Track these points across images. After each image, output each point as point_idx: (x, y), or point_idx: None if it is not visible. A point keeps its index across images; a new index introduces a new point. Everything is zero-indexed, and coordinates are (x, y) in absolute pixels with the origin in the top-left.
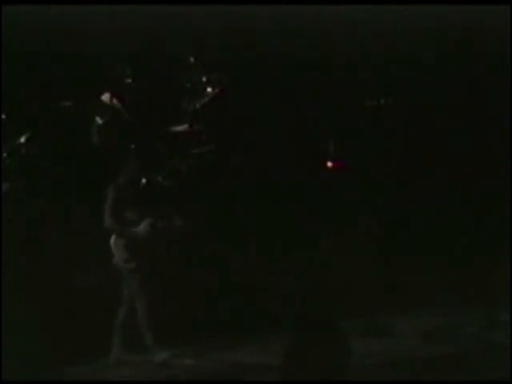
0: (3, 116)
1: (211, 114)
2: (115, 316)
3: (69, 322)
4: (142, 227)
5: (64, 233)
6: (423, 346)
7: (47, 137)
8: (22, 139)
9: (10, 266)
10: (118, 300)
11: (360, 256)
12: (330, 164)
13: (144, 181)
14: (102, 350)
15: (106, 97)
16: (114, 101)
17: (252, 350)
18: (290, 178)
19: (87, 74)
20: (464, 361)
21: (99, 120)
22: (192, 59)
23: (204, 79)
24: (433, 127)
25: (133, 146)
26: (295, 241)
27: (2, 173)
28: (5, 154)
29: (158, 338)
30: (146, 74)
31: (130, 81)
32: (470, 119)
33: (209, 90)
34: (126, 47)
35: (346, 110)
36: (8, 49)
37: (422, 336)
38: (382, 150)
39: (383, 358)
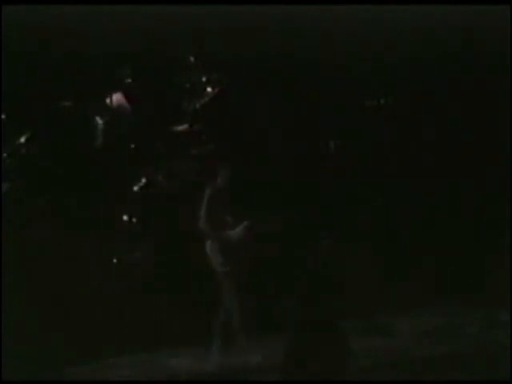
0: (3, 116)
1: (211, 113)
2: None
3: (69, 322)
4: (238, 230)
5: (64, 233)
6: (423, 346)
7: (47, 137)
8: (22, 139)
9: (10, 265)
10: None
11: (360, 256)
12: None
13: (144, 181)
14: (102, 350)
15: (117, 97)
16: (123, 102)
17: None
18: (290, 178)
19: (87, 74)
20: (464, 361)
21: (100, 120)
22: (192, 59)
23: (204, 79)
24: (432, 127)
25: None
26: (295, 240)
27: (2, 173)
28: (5, 154)
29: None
30: (145, 74)
31: (129, 81)
32: (470, 119)
33: (209, 89)
34: (126, 47)
35: (346, 110)
36: (8, 49)
37: (422, 336)
38: (382, 149)
39: (383, 357)
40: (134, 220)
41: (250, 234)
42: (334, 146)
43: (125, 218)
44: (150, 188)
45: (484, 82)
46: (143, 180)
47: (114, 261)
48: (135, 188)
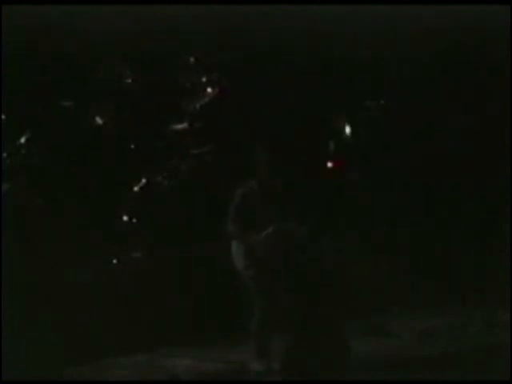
0: (3, 116)
1: (211, 113)
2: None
3: (69, 321)
4: (266, 233)
5: (64, 233)
6: (423, 346)
7: (47, 137)
8: (22, 139)
9: (10, 265)
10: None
11: (360, 256)
12: (329, 164)
13: (144, 181)
14: (102, 350)
15: None
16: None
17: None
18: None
19: (87, 74)
20: (464, 361)
21: (100, 120)
22: (192, 59)
23: (204, 79)
24: (432, 127)
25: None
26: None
27: (2, 173)
28: (5, 154)
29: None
30: (145, 74)
31: (129, 81)
32: (470, 119)
33: (209, 89)
34: (126, 47)
35: (346, 110)
36: (8, 49)
37: (422, 336)
38: (382, 149)
39: (383, 357)
40: (134, 220)
41: (279, 237)
42: (334, 145)
43: (125, 218)
44: (150, 188)
45: (484, 82)
46: (143, 180)
47: (114, 261)
48: (135, 188)
